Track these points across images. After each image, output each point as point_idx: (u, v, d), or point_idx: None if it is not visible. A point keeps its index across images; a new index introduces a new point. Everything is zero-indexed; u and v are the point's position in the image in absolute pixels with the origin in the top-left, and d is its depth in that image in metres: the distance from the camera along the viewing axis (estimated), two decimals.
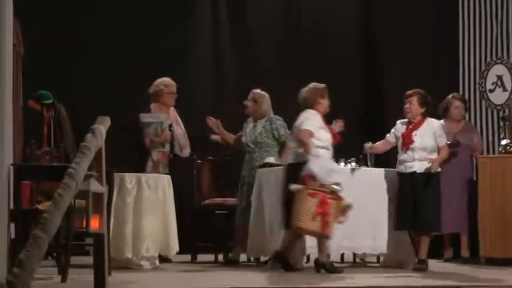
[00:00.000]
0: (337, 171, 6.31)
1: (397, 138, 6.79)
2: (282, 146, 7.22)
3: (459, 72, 8.69)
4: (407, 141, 6.64)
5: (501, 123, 7.74)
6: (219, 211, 7.49)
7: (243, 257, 7.21)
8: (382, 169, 6.93)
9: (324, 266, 6.23)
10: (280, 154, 7.23)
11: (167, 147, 7.38)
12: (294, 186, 6.09)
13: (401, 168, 6.68)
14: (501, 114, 8.26)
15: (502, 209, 7.15)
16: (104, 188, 4.40)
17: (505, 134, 7.53)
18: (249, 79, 8.53)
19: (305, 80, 8.12)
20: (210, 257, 7.42)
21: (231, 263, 7.11)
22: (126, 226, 6.35)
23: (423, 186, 6.55)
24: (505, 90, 8.51)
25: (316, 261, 6.31)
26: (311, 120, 6.33)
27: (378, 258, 7.13)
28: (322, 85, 6.52)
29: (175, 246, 6.60)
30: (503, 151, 7.48)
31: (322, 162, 6.20)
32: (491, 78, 8.57)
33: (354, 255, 7.20)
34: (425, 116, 6.72)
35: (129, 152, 7.45)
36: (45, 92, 7.54)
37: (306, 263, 6.83)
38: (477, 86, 8.57)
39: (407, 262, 6.74)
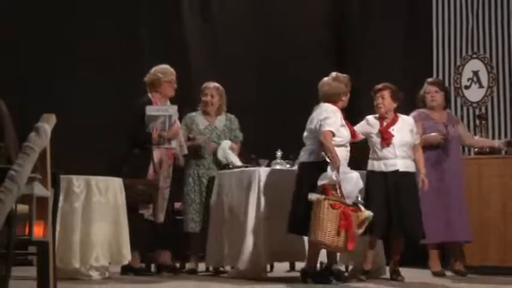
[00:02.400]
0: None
1: (366, 133, 6.70)
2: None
3: (433, 68, 8.74)
4: (387, 136, 6.56)
5: (477, 122, 7.77)
6: (177, 216, 7.41)
7: (202, 266, 7.16)
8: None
9: (337, 275, 6.28)
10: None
11: (174, 144, 6.90)
12: (313, 196, 5.98)
13: (380, 166, 6.57)
14: (477, 112, 8.32)
15: (479, 214, 7.19)
16: (49, 192, 4.33)
17: (481, 133, 7.57)
18: (215, 74, 8.47)
19: (271, 75, 8.11)
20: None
21: (189, 273, 7.03)
22: (74, 233, 6.24)
23: (408, 187, 6.47)
24: (481, 86, 8.57)
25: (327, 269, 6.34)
26: (333, 119, 6.22)
27: (347, 267, 7.11)
28: (347, 79, 6.43)
29: (127, 254, 6.51)
30: (479, 152, 7.53)
31: (352, 179, 6.09)
32: (466, 73, 8.64)
33: (321, 264, 7.20)
34: (396, 111, 6.71)
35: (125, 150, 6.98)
36: None
37: (268, 272, 6.81)
38: (452, 82, 8.61)
39: (376, 271, 6.75)
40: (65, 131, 6.86)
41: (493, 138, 8.12)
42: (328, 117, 6.20)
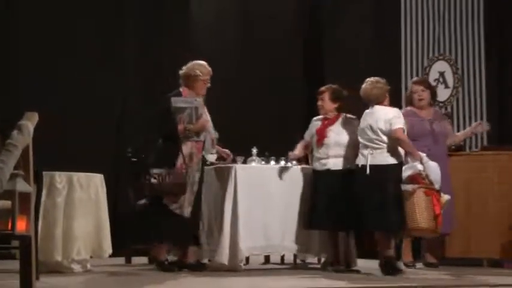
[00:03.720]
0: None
1: (312, 135, 6.79)
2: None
3: (401, 69, 8.83)
4: (320, 137, 6.63)
5: None
6: None
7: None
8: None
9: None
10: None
11: (202, 137, 6.62)
12: (409, 187, 6.21)
13: (316, 165, 6.69)
14: (443, 111, 8.39)
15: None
16: (31, 188, 4.32)
17: None
18: None
19: (247, 74, 7.97)
20: (146, 260, 7.34)
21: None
22: (56, 228, 6.23)
23: (339, 184, 6.50)
24: (447, 87, 8.65)
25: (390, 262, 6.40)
26: (399, 117, 6.45)
27: (319, 259, 7.17)
28: (384, 80, 6.64)
29: (108, 248, 6.53)
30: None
31: (433, 167, 6.34)
32: (433, 74, 8.73)
33: (295, 256, 7.25)
34: (341, 111, 6.71)
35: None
36: None
37: (244, 264, 6.85)
38: (414, 85, 8.67)
39: (348, 262, 6.83)
40: (52, 129, 6.87)
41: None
42: (395, 116, 6.43)
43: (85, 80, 8.32)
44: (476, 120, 8.39)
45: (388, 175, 6.35)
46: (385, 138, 6.41)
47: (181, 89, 6.66)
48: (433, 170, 6.33)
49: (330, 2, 9.33)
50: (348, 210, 6.45)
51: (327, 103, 6.71)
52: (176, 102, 6.48)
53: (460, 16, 8.64)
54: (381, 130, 6.40)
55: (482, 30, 8.53)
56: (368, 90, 6.53)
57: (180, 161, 6.46)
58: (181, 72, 6.71)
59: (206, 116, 6.68)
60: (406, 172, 6.28)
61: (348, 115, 6.76)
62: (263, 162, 7.04)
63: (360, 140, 6.52)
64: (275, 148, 7.18)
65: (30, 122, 4.24)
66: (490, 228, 7.33)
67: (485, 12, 8.53)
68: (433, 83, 8.57)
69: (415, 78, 7.56)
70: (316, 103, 6.85)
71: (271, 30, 9.22)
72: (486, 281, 5.96)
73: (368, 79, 6.59)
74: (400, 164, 6.37)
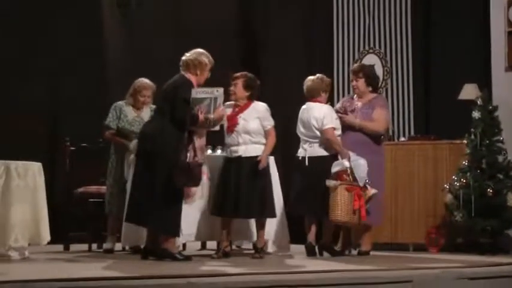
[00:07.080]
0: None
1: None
2: None
3: (333, 62, 8.90)
4: (231, 123, 6.44)
5: None
6: (93, 199, 7.31)
7: (118, 246, 7.07)
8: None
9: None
10: None
11: (218, 127, 6.30)
12: (331, 183, 6.38)
13: (227, 152, 6.54)
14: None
15: None
16: None
17: None
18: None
19: None
20: (84, 247, 7.22)
21: (106, 253, 6.93)
22: None
23: (249, 171, 6.37)
24: None
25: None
26: (330, 115, 6.60)
27: (254, 245, 7.13)
28: (329, 79, 6.85)
29: (46, 235, 6.38)
30: None
31: (361, 165, 6.50)
32: None
33: (230, 242, 7.21)
34: (252, 99, 6.52)
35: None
36: None
37: (183, 250, 6.78)
38: (351, 74, 8.73)
39: (282, 247, 6.88)
40: None
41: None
42: (326, 114, 6.58)
43: (21, 68, 8.15)
44: (404, 110, 8.53)
45: (324, 166, 6.49)
46: (318, 133, 6.59)
47: (186, 76, 6.22)
48: (360, 167, 6.45)
49: None
50: (255, 198, 6.37)
51: (239, 90, 6.50)
52: (197, 93, 6.09)
53: (389, 12, 8.74)
54: (314, 126, 6.57)
55: (409, 25, 8.63)
56: (307, 85, 6.70)
57: (191, 153, 6.11)
58: (188, 58, 6.26)
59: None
60: (335, 168, 6.43)
61: (259, 103, 6.57)
62: (210, 152, 6.97)
63: (299, 134, 6.72)
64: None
65: None
66: (415, 215, 7.45)
67: (412, 8, 8.63)
68: None
69: (352, 67, 7.38)
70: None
71: (208, 33, 8.91)
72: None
73: (317, 75, 6.76)
74: (334, 156, 6.53)
